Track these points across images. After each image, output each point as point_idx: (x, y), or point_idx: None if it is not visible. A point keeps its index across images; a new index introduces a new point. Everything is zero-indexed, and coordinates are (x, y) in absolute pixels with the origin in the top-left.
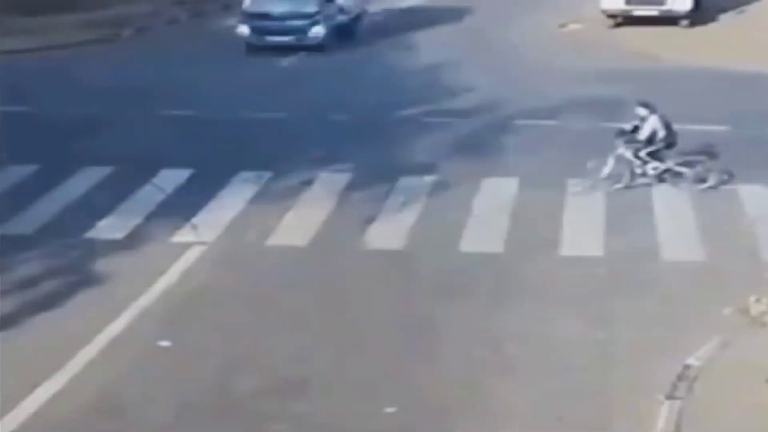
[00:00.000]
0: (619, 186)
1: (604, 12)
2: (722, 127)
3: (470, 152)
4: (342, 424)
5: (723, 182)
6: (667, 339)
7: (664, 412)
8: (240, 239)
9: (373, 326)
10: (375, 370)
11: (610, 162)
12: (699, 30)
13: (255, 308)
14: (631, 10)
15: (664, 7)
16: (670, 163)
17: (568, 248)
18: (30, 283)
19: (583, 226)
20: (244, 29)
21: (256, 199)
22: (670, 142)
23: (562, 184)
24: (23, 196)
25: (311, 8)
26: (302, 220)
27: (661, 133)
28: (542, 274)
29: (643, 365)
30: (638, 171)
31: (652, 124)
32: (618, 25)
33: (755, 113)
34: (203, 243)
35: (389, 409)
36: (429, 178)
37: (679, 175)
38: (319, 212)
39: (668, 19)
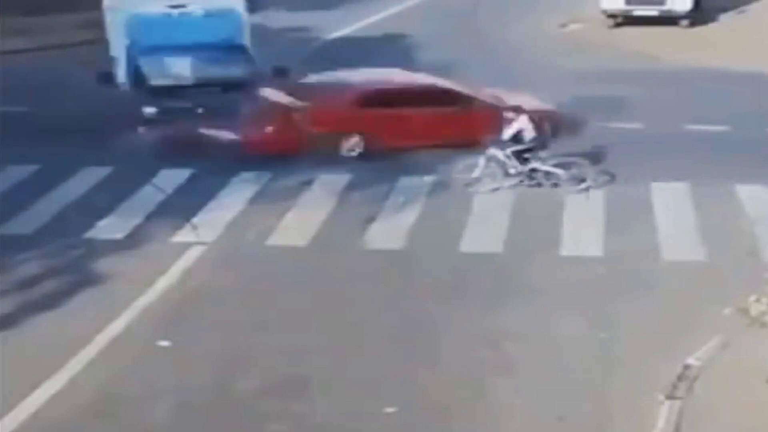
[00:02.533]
0: (491, 187)
1: (604, 12)
2: (722, 127)
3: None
4: (342, 424)
5: (603, 183)
6: (667, 339)
7: (664, 412)
8: (240, 239)
9: (373, 326)
10: (375, 370)
11: (481, 162)
12: (699, 30)
13: (255, 308)
14: (631, 10)
15: (664, 7)
16: (537, 164)
17: (568, 248)
18: (30, 283)
19: (583, 226)
20: None
21: (256, 199)
22: (541, 142)
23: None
24: (23, 196)
25: None
26: (302, 220)
27: (529, 134)
28: (542, 274)
29: (643, 365)
30: (512, 171)
31: (519, 125)
32: (618, 25)
33: (755, 113)
34: (203, 243)
35: (389, 409)
36: (429, 178)
37: (552, 175)
38: (319, 212)
39: (668, 19)
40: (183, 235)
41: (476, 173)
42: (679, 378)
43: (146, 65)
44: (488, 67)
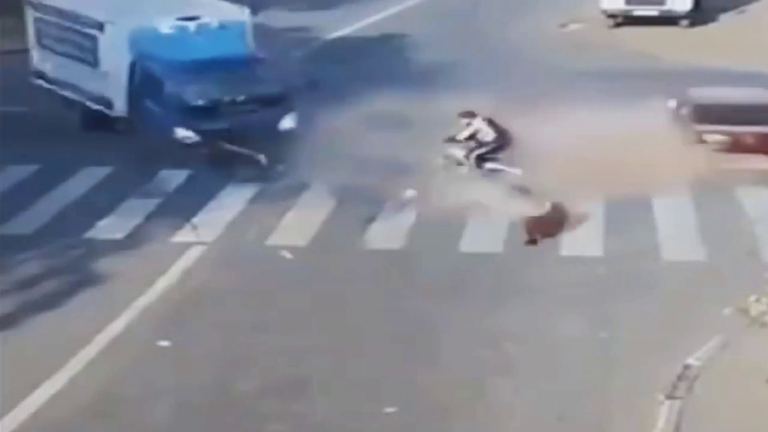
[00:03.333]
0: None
1: (604, 12)
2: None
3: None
4: (342, 424)
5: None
6: (667, 339)
7: (664, 412)
8: (240, 239)
9: (373, 326)
10: (375, 370)
11: (439, 161)
12: (699, 30)
13: (255, 308)
14: (631, 10)
15: (664, 7)
16: (492, 165)
17: (568, 248)
18: (30, 283)
19: (583, 226)
20: None
21: (256, 199)
22: (500, 144)
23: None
24: (23, 196)
25: None
26: (302, 220)
27: (488, 137)
28: (542, 274)
29: (643, 365)
30: (466, 171)
31: (475, 126)
32: (618, 25)
33: None
34: (203, 243)
35: (389, 409)
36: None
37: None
38: (319, 212)
39: (668, 19)
40: (183, 235)
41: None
42: (679, 378)
43: (177, 84)
44: (488, 67)
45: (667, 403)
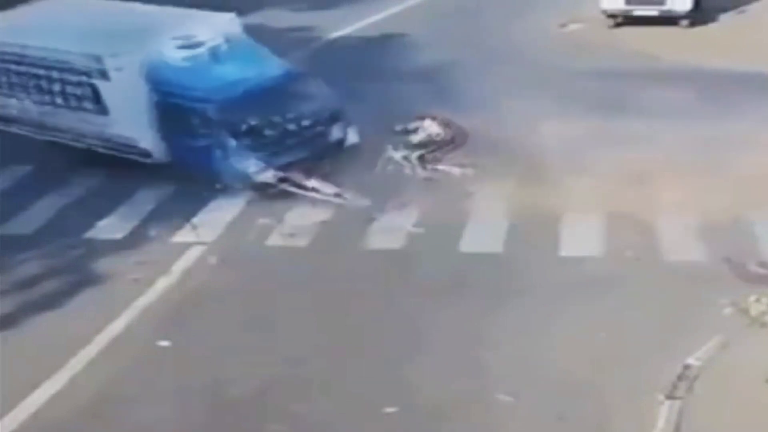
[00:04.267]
0: None
1: (604, 12)
2: (722, 127)
3: (471, 152)
4: (342, 424)
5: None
6: (667, 339)
7: (664, 412)
8: (240, 239)
9: (373, 326)
10: (375, 370)
11: (380, 164)
12: (699, 30)
13: (255, 308)
14: (631, 10)
15: (664, 7)
16: (434, 165)
17: (568, 248)
18: (30, 283)
19: (583, 226)
20: None
21: (256, 199)
22: (449, 145)
23: (563, 184)
24: (23, 196)
25: None
26: (302, 220)
27: (438, 138)
28: (542, 274)
29: (643, 365)
30: (408, 172)
31: (427, 129)
32: (618, 25)
33: (755, 113)
34: (203, 243)
35: (389, 409)
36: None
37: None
38: (319, 212)
39: (668, 19)
40: (183, 235)
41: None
42: (679, 378)
43: (230, 122)
44: (488, 67)
45: (667, 403)
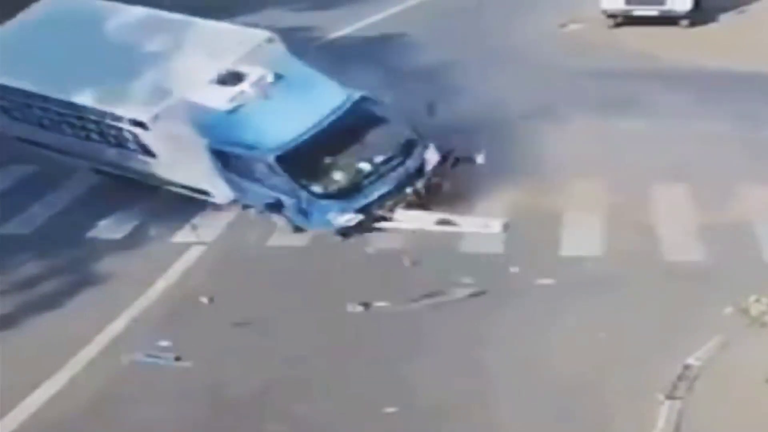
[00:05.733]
0: None
1: (604, 12)
2: (722, 127)
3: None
4: (342, 424)
5: None
6: (667, 339)
7: (664, 412)
8: (240, 239)
9: (373, 326)
10: (375, 370)
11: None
12: (699, 30)
13: (255, 308)
14: (631, 10)
15: (664, 7)
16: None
17: (568, 248)
18: (30, 283)
19: (583, 226)
20: None
21: None
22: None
23: (563, 184)
24: (23, 196)
25: None
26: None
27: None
28: (542, 274)
29: (643, 365)
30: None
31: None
32: (618, 25)
33: (755, 113)
34: (203, 243)
35: (389, 409)
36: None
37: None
38: None
39: (668, 19)
40: (183, 235)
41: None
42: (679, 378)
43: (299, 170)
44: (488, 67)
45: (667, 403)
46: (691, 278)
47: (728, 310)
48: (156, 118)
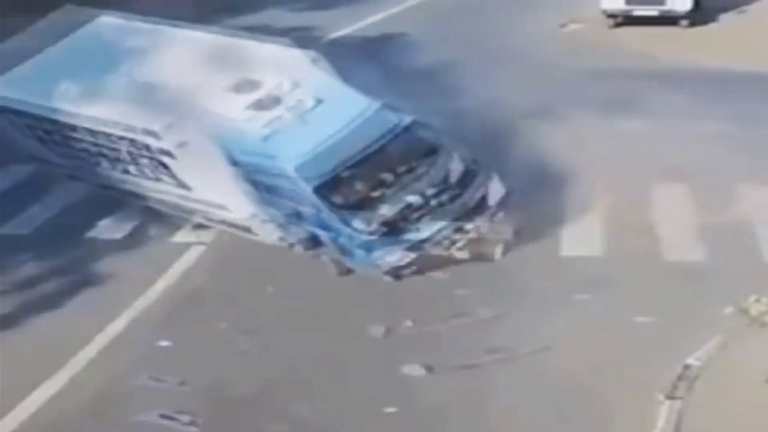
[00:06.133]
0: None
1: (604, 12)
2: (722, 127)
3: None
4: (342, 424)
5: None
6: (667, 339)
7: (664, 412)
8: (240, 239)
9: (373, 326)
10: (375, 370)
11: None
12: (699, 30)
13: (255, 308)
14: (631, 10)
15: (664, 7)
16: None
17: (568, 248)
18: (30, 283)
19: (583, 226)
20: None
21: None
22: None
23: (563, 184)
24: (23, 196)
25: None
26: None
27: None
28: (542, 274)
29: (643, 365)
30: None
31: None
32: (618, 25)
33: (755, 113)
34: (203, 243)
35: (389, 409)
36: None
37: None
38: None
39: (668, 19)
40: (183, 235)
41: None
42: (679, 378)
43: (334, 197)
44: (488, 67)
45: (667, 403)
46: (691, 278)
47: (728, 310)
48: (182, 145)
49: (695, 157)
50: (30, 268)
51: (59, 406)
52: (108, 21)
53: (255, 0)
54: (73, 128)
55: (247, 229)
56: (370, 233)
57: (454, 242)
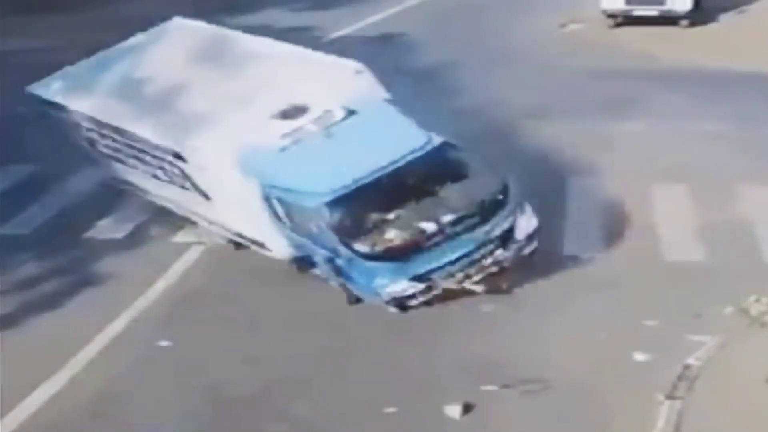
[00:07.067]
0: None
1: (604, 12)
2: (722, 127)
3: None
4: (342, 424)
5: None
6: (667, 339)
7: (664, 412)
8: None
9: (373, 326)
10: (375, 370)
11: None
12: (699, 30)
13: (255, 308)
14: (631, 10)
15: (664, 7)
16: None
17: (568, 248)
18: (30, 283)
19: (583, 226)
20: None
21: None
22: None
23: (563, 184)
24: (23, 196)
25: None
26: None
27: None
28: (543, 274)
29: (643, 365)
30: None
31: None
32: (618, 25)
33: (755, 113)
34: (203, 243)
35: (389, 409)
36: None
37: None
38: None
39: (668, 19)
40: (183, 235)
41: None
42: (679, 378)
43: (349, 224)
44: (488, 67)
45: (667, 403)
46: (691, 278)
47: (728, 310)
48: (194, 149)
49: (695, 157)
50: (30, 268)
51: (59, 406)
52: (182, 23)
53: (256, 0)
54: (110, 128)
55: (261, 245)
56: (373, 258)
57: (469, 275)
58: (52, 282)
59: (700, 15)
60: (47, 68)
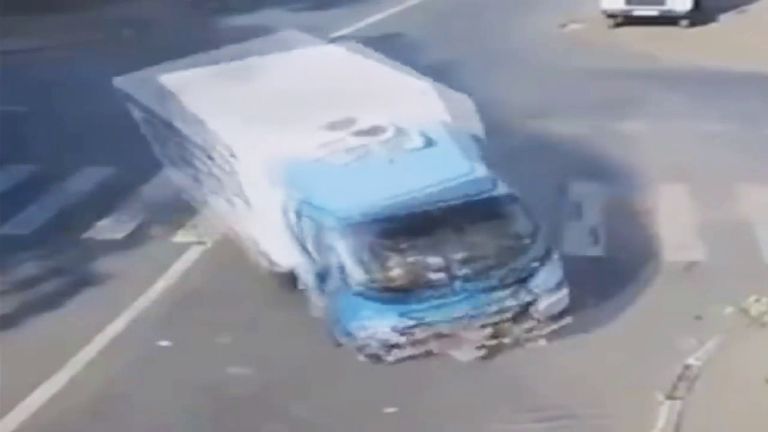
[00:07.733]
0: None
1: (604, 12)
2: (722, 127)
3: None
4: (342, 424)
5: None
6: (667, 339)
7: (664, 412)
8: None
9: None
10: (375, 370)
11: None
12: (699, 30)
13: (255, 309)
14: (631, 10)
15: (664, 7)
16: None
17: (568, 248)
18: (30, 283)
19: (582, 226)
20: None
21: None
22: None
23: (563, 184)
24: (23, 196)
25: None
26: None
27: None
28: None
29: (643, 365)
30: None
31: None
32: (618, 25)
33: (755, 113)
34: (203, 243)
35: (389, 409)
36: None
37: None
38: None
39: (668, 19)
40: (183, 235)
41: None
42: (679, 378)
43: (354, 246)
44: (488, 67)
45: (667, 403)
46: (691, 278)
47: (728, 310)
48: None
49: (695, 157)
50: (30, 268)
51: (59, 406)
52: (292, 35)
53: (255, 0)
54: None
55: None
56: (363, 285)
57: (468, 325)
58: (52, 282)
59: (700, 15)
60: (47, 68)
